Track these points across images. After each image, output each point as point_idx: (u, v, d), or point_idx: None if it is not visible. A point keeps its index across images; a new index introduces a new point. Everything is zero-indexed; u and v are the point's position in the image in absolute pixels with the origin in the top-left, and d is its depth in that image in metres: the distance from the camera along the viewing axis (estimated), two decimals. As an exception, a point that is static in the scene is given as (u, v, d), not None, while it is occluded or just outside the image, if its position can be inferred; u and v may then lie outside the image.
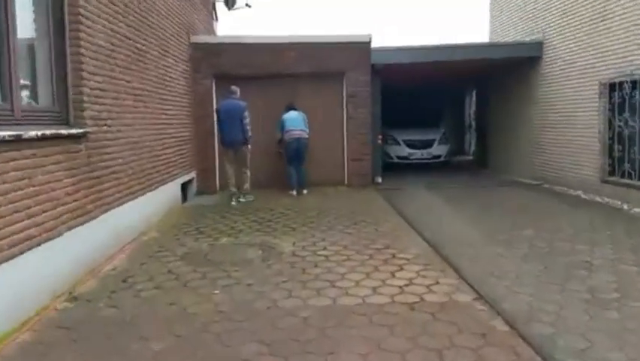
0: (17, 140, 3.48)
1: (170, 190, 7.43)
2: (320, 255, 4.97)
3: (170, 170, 7.42)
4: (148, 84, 6.45)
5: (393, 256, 4.86)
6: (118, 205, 5.30)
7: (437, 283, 4.10)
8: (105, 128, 5.01)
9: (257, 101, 9.21)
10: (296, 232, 6.00)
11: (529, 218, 7.02)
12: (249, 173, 8.36)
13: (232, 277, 4.34)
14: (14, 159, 3.47)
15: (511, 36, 11.42)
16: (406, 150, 11.99)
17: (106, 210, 4.96)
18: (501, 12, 12.10)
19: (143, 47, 6.25)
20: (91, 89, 4.68)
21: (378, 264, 4.61)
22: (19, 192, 3.52)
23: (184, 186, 8.42)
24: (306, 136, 8.58)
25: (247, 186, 8.40)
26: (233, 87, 8.23)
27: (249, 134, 8.00)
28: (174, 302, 3.78)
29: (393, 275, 4.29)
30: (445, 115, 15.87)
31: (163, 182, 7.02)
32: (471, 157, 15.70)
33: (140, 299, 3.89)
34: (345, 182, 9.49)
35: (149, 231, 6.14)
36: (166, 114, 7.24)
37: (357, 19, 35.53)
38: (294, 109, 8.75)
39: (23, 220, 3.54)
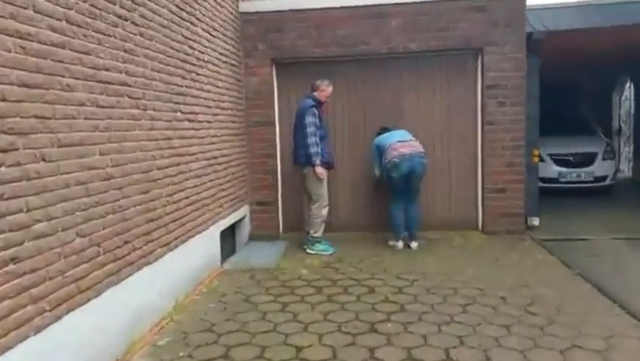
0: None
1: (197, 247, 4.38)
2: None
3: (200, 215, 4.38)
4: (143, 67, 3.44)
5: None
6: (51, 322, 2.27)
7: None
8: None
9: (337, 100, 5.98)
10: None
11: None
12: (318, 211, 5.35)
13: None
14: None
15: None
16: (554, 170, 8.14)
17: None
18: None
19: (130, -9, 3.26)
20: None
21: None
22: None
23: (227, 233, 5.37)
24: (423, 153, 5.23)
25: (314, 231, 5.34)
26: (318, 81, 5.38)
27: (311, 148, 5.14)
28: None
29: None
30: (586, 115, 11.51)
31: (180, 238, 3.98)
32: (628, 174, 11.44)
33: None
34: (480, 226, 5.98)
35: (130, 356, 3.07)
36: (190, 123, 4.22)
37: None
38: (390, 129, 5.56)
39: None
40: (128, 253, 3.22)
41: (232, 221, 5.45)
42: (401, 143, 5.20)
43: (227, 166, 5.24)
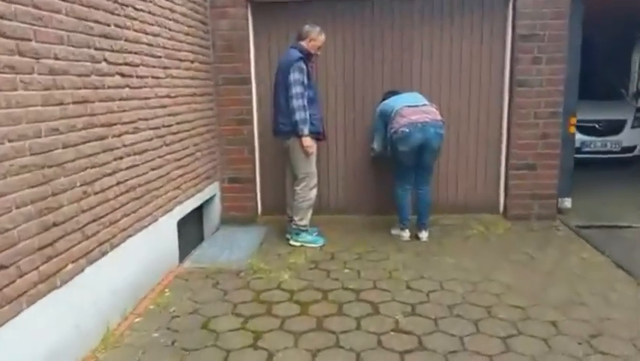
0: None
1: (140, 248, 3.24)
2: None
3: (143, 205, 3.23)
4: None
5: None
6: None
7: None
8: None
9: (330, 53, 4.77)
10: None
11: None
12: (305, 193, 4.20)
13: None
14: None
15: None
16: (577, 138, 7.07)
17: None
18: None
19: None
20: None
21: None
22: None
23: (191, 218, 4.25)
24: (440, 122, 4.07)
25: (299, 218, 4.22)
26: (307, 27, 4.12)
27: (298, 114, 3.95)
28: None
29: None
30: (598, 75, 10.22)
31: (110, 242, 2.83)
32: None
33: None
34: (501, 209, 4.91)
35: None
36: (124, 78, 2.99)
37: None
38: (399, 92, 4.38)
39: None
40: (12, 282, 2.08)
41: (196, 204, 4.30)
42: (412, 108, 4.03)
43: (187, 136, 4.05)
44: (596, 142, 7.15)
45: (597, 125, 7.15)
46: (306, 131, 3.97)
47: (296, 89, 3.91)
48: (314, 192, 4.22)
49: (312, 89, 4.06)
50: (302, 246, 4.21)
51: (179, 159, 3.89)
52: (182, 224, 4.03)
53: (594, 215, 4.93)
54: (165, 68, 3.63)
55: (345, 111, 4.90)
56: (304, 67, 3.96)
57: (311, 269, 3.73)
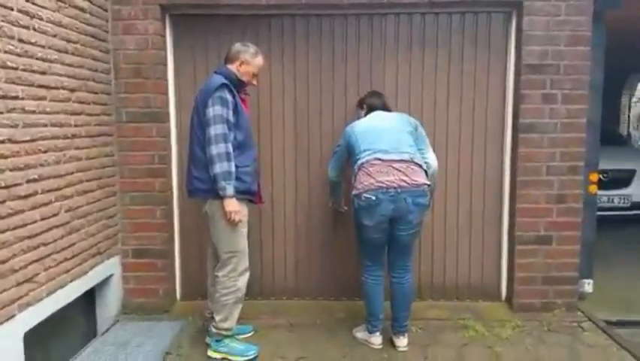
0: None
1: None
2: None
3: None
4: None
5: None
6: None
7: None
8: None
9: (277, 81, 3.59)
10: None
11: None
12: (229, 282, 2.86)
13: None
14: None
15: None
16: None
17: None
18: None
19: None
20: None
21: None
22: None
23: (78, 308, 2.88)
24: (424, 186, 2.80)
25: (221, 319, 2.90)
26: (239, 46, 2.94)
27: (218, 165, 2.68)
28: None
29: None
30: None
31: None
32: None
33: None
34: (504, 295, 3.68)
35: None
36: None
37: None
38: (384, 109, 3.11)
39: None
40: None
41: (72, 296, 2.94)
42: (383, 162, 2.79)
43: (54, 199, 2.73)
44: (602, 197, 6.06)
45: (602, 176, 6.07)
46: (229, 190, 2.70)
47: (216, 129, 2.68)
48: (244, 279, 2.91)
49: (241, 129, 2.82)
50: (224, 360, 2.87)
51: (33, 236, 2.56)
52: (47, 329, 2.67)
53: (622, 302, 3.76)
54: (23, 98, 2.36)
55: (295, 159, 3.66)
56: (229, 98, 2.74)
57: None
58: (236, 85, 2.83)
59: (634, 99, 10.34)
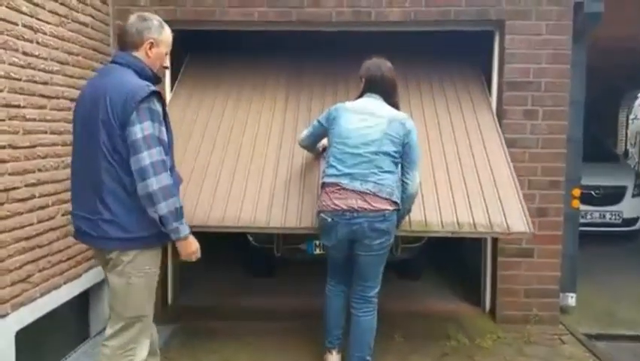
0: None
1: None
2: None
3: None
4: None
5: None
6: None
7: None
8: None
9: (255, 106, 3.72)
10: None
11: None
12: (121, 357, 2.12)
13: None
14: None
15: None
16: (570, 208, 6.10)
17: None
18: None
19: None
20: None
21: None
22: None
23: (62, 314, 2.99)
24: (383, 213, 2.53)
25: None
26: (133, 19, 2.16)
27: (164, 206, 1.99)
28: None
29: None
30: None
31: None
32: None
33: None
34: (487, 307, 3.75)
35: None
36: None
37: None
38: (383, 87, 2.74)
39: None
40: None
41: (65, 297, 3.04)
42: (344, 190, 2.55)
43: (56, 201, 2.85)
44: (593, 213, 6.15)
45: (594, 193, 6.17)
46: (184, 229, 2.09)
47: (151, 156, 1.98)
48: (145, 352, 2.20)
49: (168, 148, 2.15)
50: None
51: (29, 238, 2.68)
52: (40, 330, 2.78)
53: (605, 316, 3.83)
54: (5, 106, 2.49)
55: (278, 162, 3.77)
56: (159, 109, 2.07)
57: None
58: (154, 82, 2.15)
59: (631, 116, 10.44)
